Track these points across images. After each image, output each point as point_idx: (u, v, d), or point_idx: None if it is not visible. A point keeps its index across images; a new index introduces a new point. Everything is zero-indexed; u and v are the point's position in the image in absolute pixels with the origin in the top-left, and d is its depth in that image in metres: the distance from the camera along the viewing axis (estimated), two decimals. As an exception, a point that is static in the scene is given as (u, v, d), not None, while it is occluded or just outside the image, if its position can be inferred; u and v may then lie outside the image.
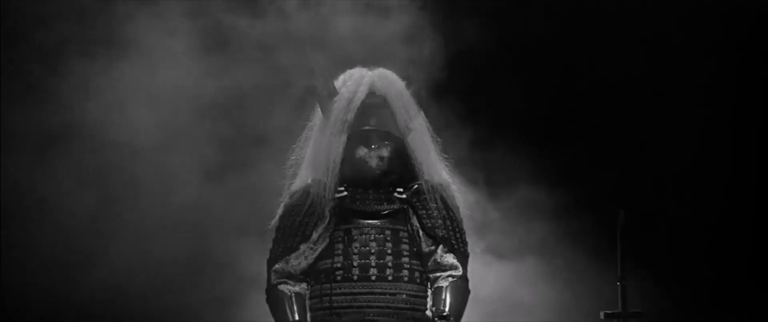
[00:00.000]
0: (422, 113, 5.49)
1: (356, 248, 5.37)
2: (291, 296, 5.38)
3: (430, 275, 5.41)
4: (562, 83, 7.30)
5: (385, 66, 5.62)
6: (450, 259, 5.41)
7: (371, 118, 5.45)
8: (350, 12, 6.36)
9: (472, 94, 7.08)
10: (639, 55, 7.27)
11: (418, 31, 6.46)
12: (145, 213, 6.87)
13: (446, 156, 5.56)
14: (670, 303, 7.16)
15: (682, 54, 7.19)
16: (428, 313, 5.39)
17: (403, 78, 5.54)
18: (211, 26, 6.79)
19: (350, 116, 5.42)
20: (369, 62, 5.65)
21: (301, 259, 5.41)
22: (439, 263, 5.41)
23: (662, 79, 7.28)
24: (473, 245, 5.55)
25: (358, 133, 5.42)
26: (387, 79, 5.49)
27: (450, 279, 5.39)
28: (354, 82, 5.48)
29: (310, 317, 5.40)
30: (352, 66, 5.61)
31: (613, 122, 7.27)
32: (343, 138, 5.41)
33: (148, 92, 6.78)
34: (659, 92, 7.30)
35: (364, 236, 5.38)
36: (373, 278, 5.34)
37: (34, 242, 6.90)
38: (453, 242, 5.40)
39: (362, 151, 5.42)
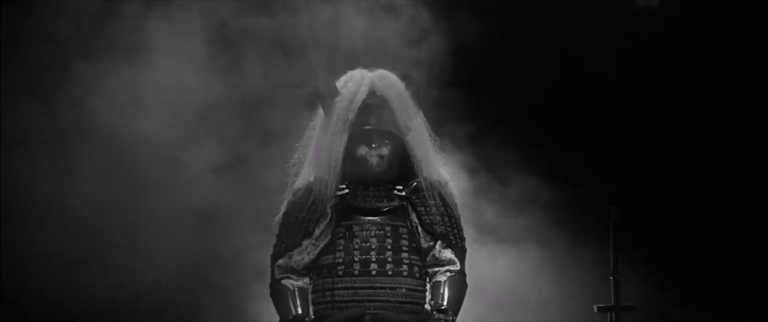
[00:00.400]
0: (421, 113, 5.66)
1: (357, 243, 5.53)
2: (294, 291, 5.55)
3: (429, 270, 5.59)
4: (563, 83, 7.41)
5: (385, 67, 5.76)
6: (448, 254, 5.58)
7: (372, 118, 5.62)
8: (351, 13, 6.55)
9: (472, 91, 7.20)
10: (638, 55, 7.38)
11: (418, 32, 6.66)
12: (153, 213, 6.98)
13: (444, 154, 5.71)
14: (669, 299, 7.32)
15: (682, 54, 7.31)
16: (427, 306, 5.56)
17: (403, 79, 5.70)
18: (220, 28, 6.93)
19: (351, 116, 5.60)
20: (370, 63, 5.79)
21: (303, 254, 5.57)
22: (437, 258, 5.58)
23: (662, 78, 7.38)
24: (470, 239, 5.68)
25: (358, 133, 5.59)
26: (387, 80, 5.66)
27: (448, 274, 5.57)
28: (355, 82, 5.64)
29: (313, 310, 5.56)
30: (353, 67, 5.76)
31: (613, 121, 7.39)
32: (345, 137, 5.59)
33: (157, 92, 6.87)
34: (659, 92, 7.41)
35: (364, 232, 5.55)
36: (374, 272, 5.51)
37: (37, 242, 7.00)
38: (451, 237, 5.58)
39: (363, 150, 5.60)
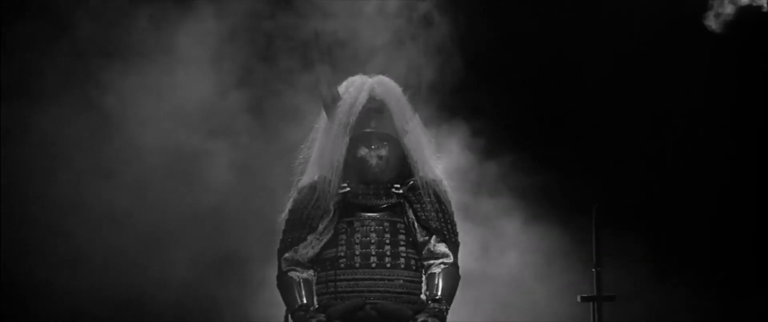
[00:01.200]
0: (417, 116, 6.09)
1: (358, 238, 5.96)
2: (299, 282, 5.98)
3: (425, 263, 6.02)
4: (563, 82, 7.73)
5: (383, 72, 6.19)
6: (442, 248, 6.01)
7: (371, 121, 6.04)
8: (353, 20, 6.83)
9: (471, 90, 7.50)
10: (638, 55, 7.68)
11: (416, 36, 6.69)
12: (166, 215, 7.28)
13: (439, 155, 6.13)
14: (669, 298, 7.67)
15: (682, 53, 7.60)
16: (423, 297, 6.01)
17: (400, 84, 6.13)
18: (234, 31, 7.23)
19: (352, 119, 6.01)
20: (369, 69, 6.23)
21: (308, 248, 6.00)
22: (432, 251, 6.02)
23: (662, 78, 7.69)
24: (465, 234, 6.07)
25: (359, 135, 6.02)
26: (385, 86, 6.09)
27: (442, 266, 6.00)
28: (355, 88, 6.07)
29: (317, 300, 5.98)
30: (354, 73, 6.19)
31: (613, 120, 7.73)
32: (346, 139, 6.00)
33: (173, 96, 7.17)
34: (660, 92, 7.72)
35: (365, 228, 5.97)
36: (374, 265, 5.94)
37: (47, 241, 7.32)
38: (445, 232, 6.01)
39: (363, 151, 6.04)
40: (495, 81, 7.67)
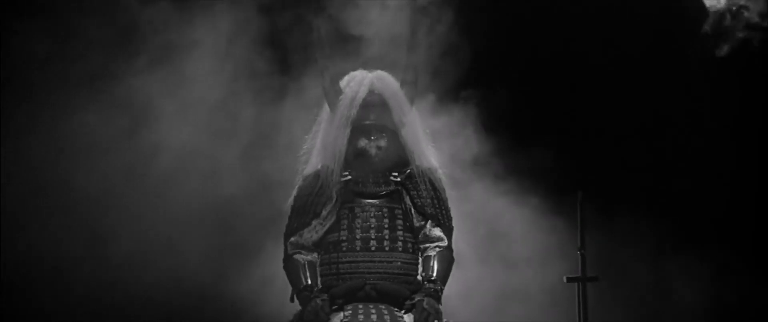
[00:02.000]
0: (414, 109, 6.46)
1: (359, 223, 6.29)
2: (304, 264, 6.32)
3: (421, 246, 6.36)
4: (562, 77, 7.94)
5: (383, 68, 6.51)
6: (437, 232, 6.36)
7: (371, 114, 6.38)
8: (353, 18, 6.95)
9: (470, 81, 7.64)
10: (639, 53, 7.90)
11: (415, 31, 6.73)
12: (170, 212, 7.46)
13: (434, 145, 6.49)
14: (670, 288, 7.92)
15: (682, 52, 7.76)
16: (419, 277, 6.36)
17: (398, 79, 6.48)
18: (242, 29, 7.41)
19: (353, 112, 6.35)
20: (369, 65, 6.56)
21: (312, 233, 6.34)
22: (428, 235, 6.36)
23: (662, 75, 7.91)
24: (456, 220, 6.39)
25: (359, 127, 6.35)
26: (384, 81, 6.44)
27: (437, 249, 6.35)
28: (356, 82, 6.42)
29: (321, 281, 6.32)
30: (354, 68, 6.53)
31: (614, 118, 7.95)
32: (347, 131, 6.34)
33: (177, 97, 7.37)
34: (662, 89, 7.94)
35: (365, 214, 6.31)
36: (373, 248, 6.27)
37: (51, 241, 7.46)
38: (440, 218, 6.35)
39: (363, 142, 6.38)
40: (495, 71, 7.85)
